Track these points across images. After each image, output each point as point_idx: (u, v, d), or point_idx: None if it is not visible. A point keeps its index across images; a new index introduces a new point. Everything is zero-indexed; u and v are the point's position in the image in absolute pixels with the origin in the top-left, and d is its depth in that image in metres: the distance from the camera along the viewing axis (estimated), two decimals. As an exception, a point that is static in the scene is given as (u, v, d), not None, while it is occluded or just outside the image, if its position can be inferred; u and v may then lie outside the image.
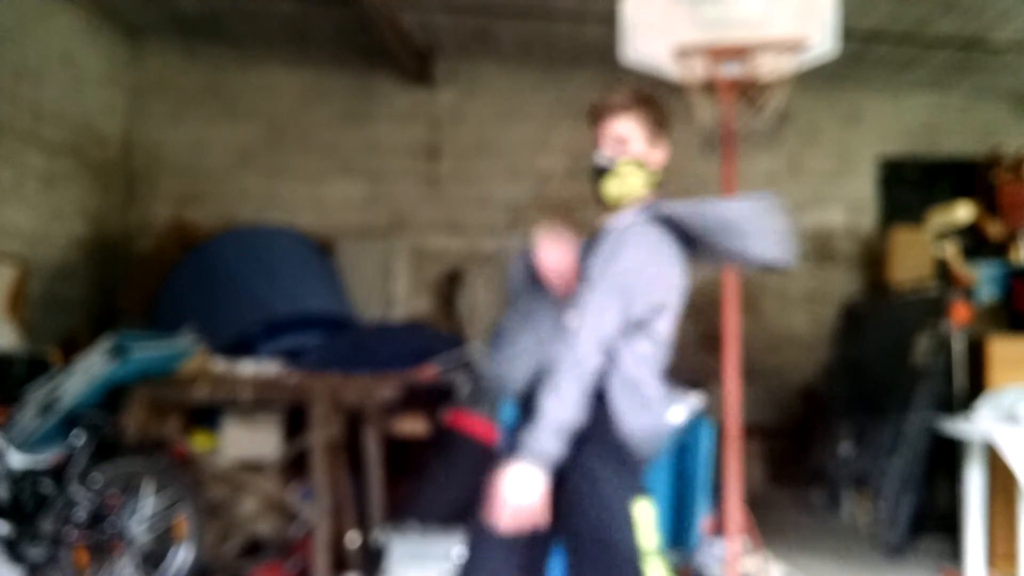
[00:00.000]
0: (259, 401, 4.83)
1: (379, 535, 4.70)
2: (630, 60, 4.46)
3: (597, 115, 2.48)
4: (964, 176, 7.80)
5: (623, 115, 2.44)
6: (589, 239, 2.47)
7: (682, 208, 2.39)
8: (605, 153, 2.43)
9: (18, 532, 4.09)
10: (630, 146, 2.43)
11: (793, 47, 4.26)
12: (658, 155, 2.49)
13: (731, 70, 4.32)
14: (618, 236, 2.36)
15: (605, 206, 2.47)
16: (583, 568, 2.31)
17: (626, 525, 2.27)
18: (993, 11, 6.31)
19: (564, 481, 2.27)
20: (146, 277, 6.94)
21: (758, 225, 2.54)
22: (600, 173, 2.44)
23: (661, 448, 2.38)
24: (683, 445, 4.60)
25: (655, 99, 2.51)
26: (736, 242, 2.46)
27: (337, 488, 4.83)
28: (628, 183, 2.43)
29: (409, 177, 8.14)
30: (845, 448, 6.63)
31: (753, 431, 6.32)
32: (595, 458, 2.29)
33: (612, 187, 2.44)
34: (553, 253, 2.42)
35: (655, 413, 2.31)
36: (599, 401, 2.29)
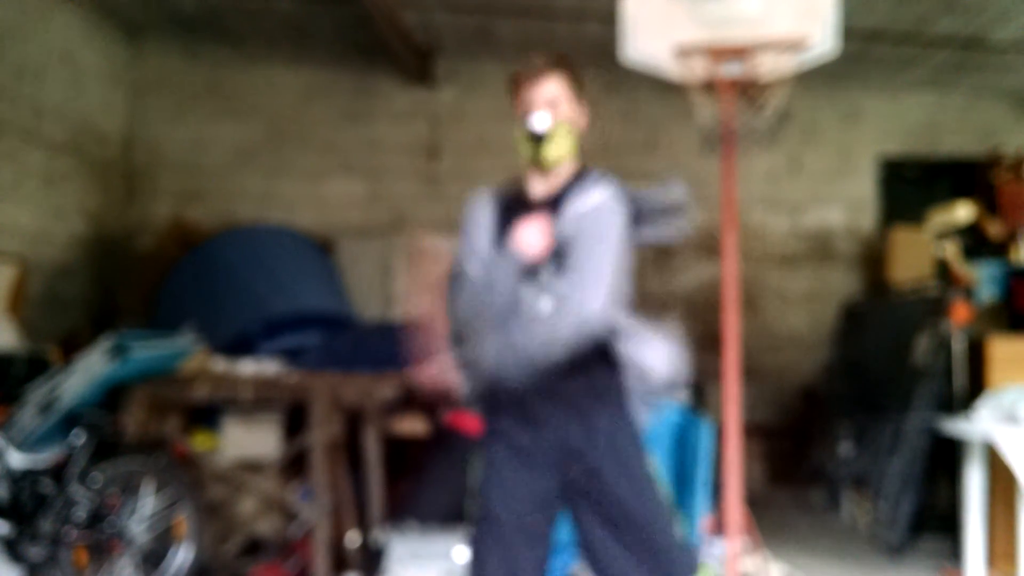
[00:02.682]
0: (259, 401, 4.83)
1: (379, 535, 4.70)
2: (630, 59, 4.46)
3: (524, 80, 2.51)
4: (964, 176, 7.80)
5: (551, 77, 2.49)
6: (519, 200, 2.55)
7: (635, 192, 2.53)
8: (541, 115, 2.46)
9: (18, 532, 4.09)
10: (561, 108, 2.49)
11: (793, 46, 4.25)
12: (582, 116, 2.56)
13: (731, 70, 4.32)
14: (598, 216, 2.44)
15: (539, 170, 2.52)
16: (632, 548, 2.39)
17: (656, 493, 2.45)
18: (993, 11, 6.31)
19: (594, 466, 2.39)
20: (146, 276, 6.93)
21: (683, 208, 2.63)
22: (537, 138, 2.46)
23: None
24: (683, 445, 4.61)
25: (572, 61, 2.58)
26: (664, 224, 2.59)
27: (337, 488, 4.83)
28: (564, 146, 2.49)
29: (409, 176, 8.14)
30: (845, 448, 6.63)
31: (753, 431, 6.32)
32: (620, 435, 2.44)
33: (551, 151, 2.47)
34: (533, 234, 2.42)
35: (656, 342, 2.48)
36: (608, 372, 2.43)
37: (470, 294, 2.51)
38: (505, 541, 2.40)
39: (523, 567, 2.41)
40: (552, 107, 2.48)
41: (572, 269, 2.39)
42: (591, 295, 2.37)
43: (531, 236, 2.41)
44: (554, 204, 2.49)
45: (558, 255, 2.42)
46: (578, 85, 2.54)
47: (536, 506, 2.44)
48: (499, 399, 2.48)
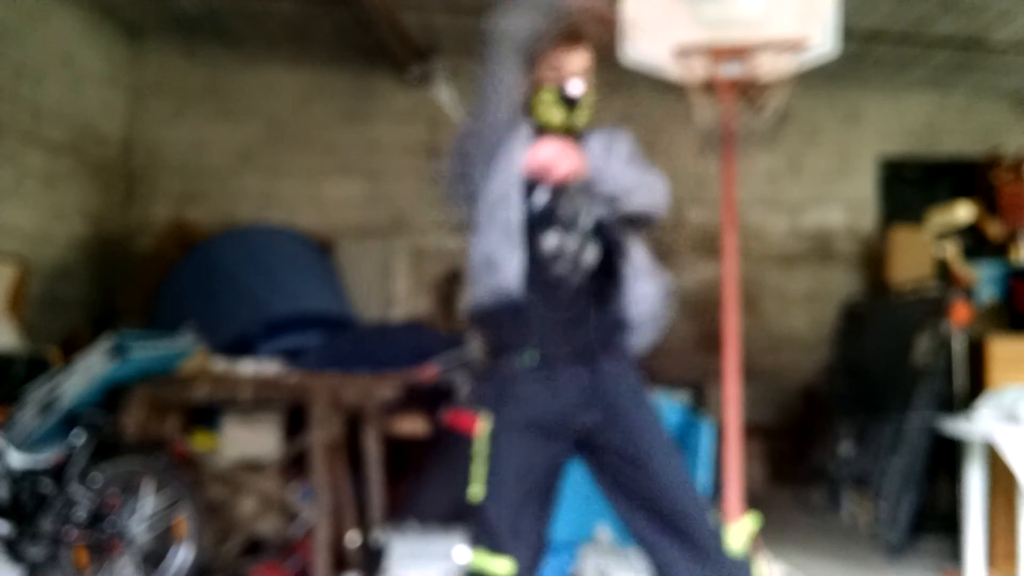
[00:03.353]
0: (259, 401, 4.83)
1: (379, 535, 4.70)
2: (630, 59, 4.46)
3: (560, 45, 2.55)
4: (964, 176, 7.80)
5: (585, 47, 2.58)
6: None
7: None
8: (579, 82, 2.55)
9: (18, 532, 4.08)
10: (590, 76, 2.59)
11: (793, 47, 4.25)
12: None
13: (731, 70, 4.32)
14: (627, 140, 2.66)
15: (566, 133, 2.56)
16: (669, 468, 2.47)
17: (665, 434, 2.57)
18: (993, 11, 6.31)
19: (611, 405, 2.48)
20: (146, 277, 6.93)
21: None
22: (571, 103, 2.55)
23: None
24: (683, 445, 4.61)
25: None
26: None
27: (337, 488, 4.84)
28: (589, 113, 2.62)
29: (409, 176, 8.14)
30: (845, 448, 6.63)
31: (753, 431, 6.32)
32: (629, 377, 2.56)
33: (581, 116, 2.59)
34: (554, 151, 2.45)
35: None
36: (613, 325, 2.54)
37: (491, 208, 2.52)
38: (510, 500, 2.46)
39: (527, 521, 2.47)
40: (586, 75, 2.56)
41: (633, 174, 2.56)
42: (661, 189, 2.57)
43: (560, 154, 2.44)
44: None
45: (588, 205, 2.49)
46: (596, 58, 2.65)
47: (545, 469, 2.51)
48: (514, 348, 2.52)
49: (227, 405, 4.90)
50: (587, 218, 2.46)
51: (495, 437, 2.50)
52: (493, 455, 2.49)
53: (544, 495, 2.52)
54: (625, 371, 2.56)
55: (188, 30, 7.86)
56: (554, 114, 2.54)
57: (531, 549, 2.46)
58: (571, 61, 2.54)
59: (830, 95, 7.92)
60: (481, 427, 2.55)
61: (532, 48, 2.53)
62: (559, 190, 2.47)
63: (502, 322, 2.52)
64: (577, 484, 4.73)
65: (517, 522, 2.44)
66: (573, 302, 2.48)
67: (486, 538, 2.45)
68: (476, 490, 2.51)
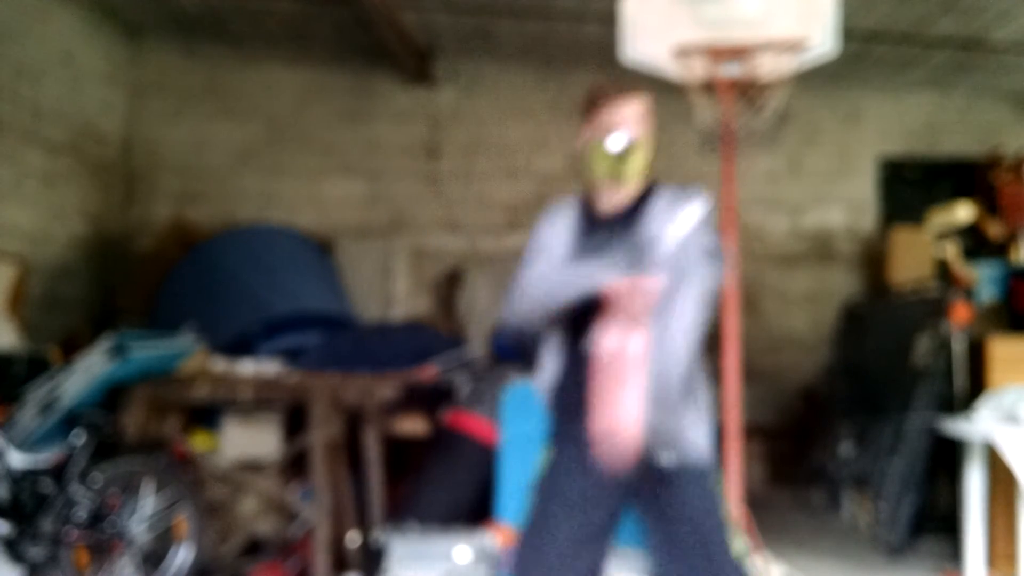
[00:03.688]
0: (259, 401, 4.83)
1: (379, 535, 4.70)
2: (630, 60, 4.46)
3: (607, 100, 2.61)
4: (964, 176, 7.80)
5: (636, 96, 2.63)
6: (592, 217, 2.64)
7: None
8: (626, 134, 2.59)
9: (18, 532, 4.09)
10: (639, 127, 2.62)
11: (793, 47, 4.26)
12: (651, 137, 2.69)
13: (731, 70, 4.32)
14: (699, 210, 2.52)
15: (615, 184, 2.61)
16: (692, 557, 2.46)
17: (721, 507, 2.52)
18: (993, 11, 6.31)
19: (678, 484, 2.44)
20: (146, 277, 6.93)
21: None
22: (618, 155, 2.58)
23: None
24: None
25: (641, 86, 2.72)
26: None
27: (337, 488, 4.83)
28: (640, 162, 2.62)
29: (409, 176, 8.14)
30: (845, 448, 6.63)
31: (753, 431, 6.32)
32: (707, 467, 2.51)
33: (629, 167, 2.60)
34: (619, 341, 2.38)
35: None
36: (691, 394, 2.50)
37: (531, 301, 2.59)
38: (559, 546, 2.46)
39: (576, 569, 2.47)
40: (632, 126, 2.61)
41: (673, 313, 2.44)
42: (683, 341, 2.46)
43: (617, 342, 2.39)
44: (628, 217, 2.59)
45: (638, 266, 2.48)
46: (649, 107, 2.68)
47: (598, 510, 2.50)
48: (572, 403, 2.50)
49: (227, 405, 4.90)
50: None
51: (553, 470, 2.54)
52: (547, 488, 2.53)
53: (598, 537, 2.51)
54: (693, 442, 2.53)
55: (188, 29, 7.86)
56: (600, 166, 2.61)
57: None
58: (616, 114, 2.60)
59: (830, 95, 7.92)
60: (542, 458, 2.59)
61: (583, 103, 2.65)
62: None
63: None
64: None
65: (565, 560, 2.46)
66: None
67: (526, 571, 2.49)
68: (522, 522, 2.54)
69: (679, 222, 2.47)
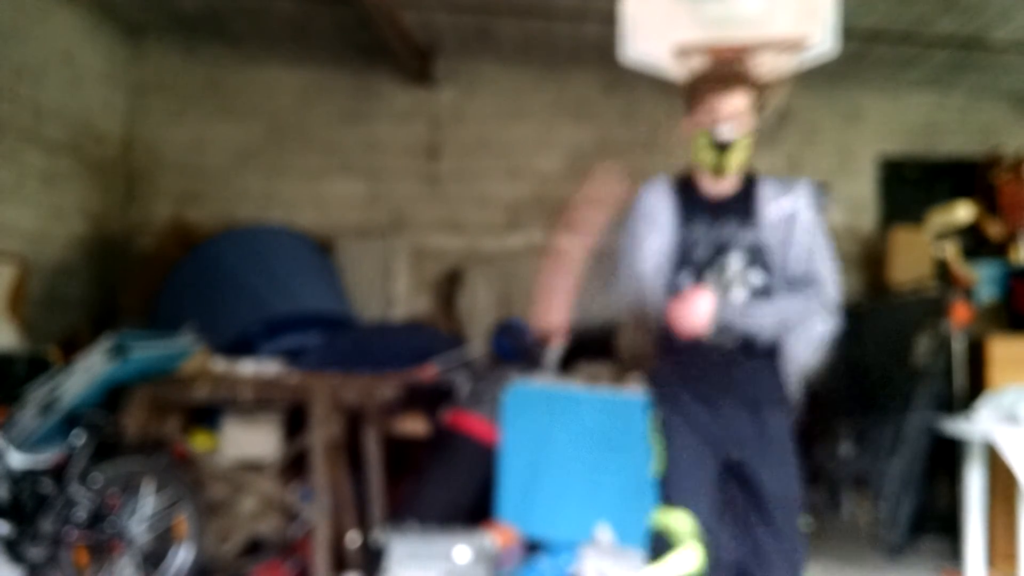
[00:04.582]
0: (259, 401, 4.83)
1: (379, 535, 4.70)
2: (630, 59, 4.45)
3: (712, 88, 2.66)
4: (964, 176, 7.79)
5: (738, 90, 2.66)
6: (696, 198, 2.75)
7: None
8: (730, 127, 2.64)
9: (18, 532, 4.09)
10: (744, 120, 2.66)
11: (793, 46, 4.24)
12: (754, 129, 2.74)
13: (731, 70, 4.32)
14: (810, 227, 2.79)
15: (718, 175, 2.69)
16: (786, 522, 2.73)
17: (798, 485, 2.81)
18: (993, 11, 6.30)
19: (756, 455, 2.70)
20: (146, 276, 6.93)
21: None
22: (722, 147, 2.63)
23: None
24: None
25: (750, 75, 2.85)
26: None
27: (337, 488, 4.84)
28: (743, 156, 2.68)
29: (409, 176, 8.14)
30: (845, 448, 6.62)
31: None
32: (782, 432, 2.80)
33: (733, 160, 2.67)
34: (702, 306, 2.61)
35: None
36: (777, 371, 2.83)
37: (636, 288, 2.72)
38: (687, 470, 2.68)
39: (703, 488, 2.69)
40: (737, 119, 2.64)
41: (810, 282, 2.85)
42: (834, 304, 2.81)
43: (700, 310, 2.61)
44: (732, 205, 2.71)
45: (752, 253, 2.66)
46: (755, 98, 2.73)
47: (706, 458, 2.72)
48: (681, 372, 2.73)
49: (227, 405, 4.90)
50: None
51: (668, 423, 2.73)
52: (669, 437, 2.72)
53: (711, 478, 2.71)
54: (780, 424, 2.80)
55: (188, 29, 7.86)
56: (706, 157, 2.66)
57: (709, 509, 2.66)
58: (723, 106, 2.63)
59: (830, 95, 7.92)
60: (653, 415, 2.77)
61: (689, 91, 2.72)
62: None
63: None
64: (576, 484, 4.74)
65: (696, 487, 2.66)
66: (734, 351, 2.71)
67: (670, 498, 2.66)
68: (658, 466, 2.73)
69: (784, 207, 2.64)
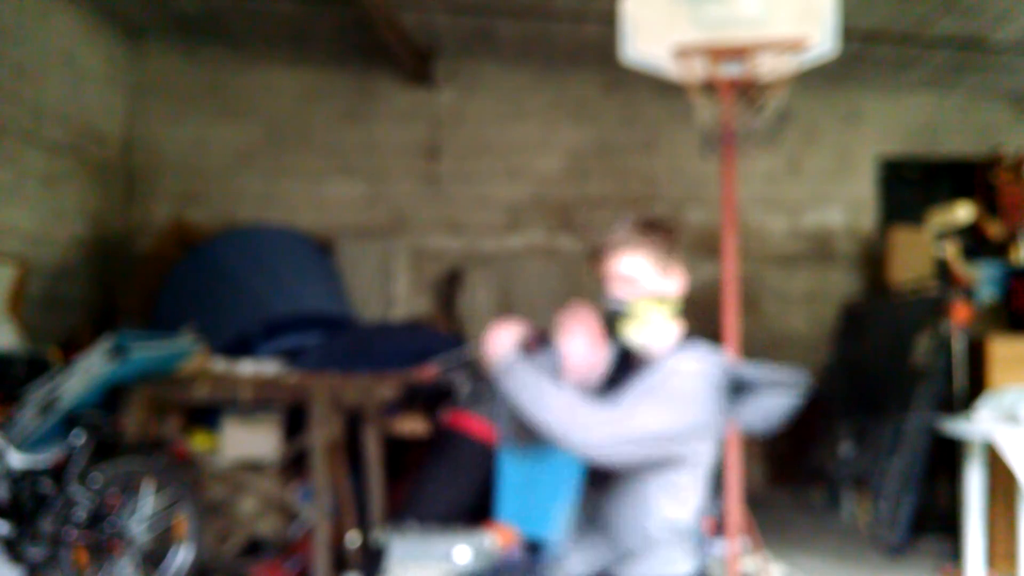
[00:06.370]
0: (259, 401, 4.83)
1: (379, 535, 4.70)
2: (630, 59, 4.46)
3: (600, 255, 2.27)
4: (964, 176, 7.81)
5: (628, 251, 2.24)
6: (625, 355, 2.34)
7: (743, 367, 2.30)
8: (616, 295, 2.24)
9: (18, 532, 4.09)
10: (641, 284, 2.24)
11: (793, 47, 4.25)
12: (674, 283, 2.32)
13: (731, 70, 4.32)
14: (674, 374, 2.21)
15: (618, 344, 2.31)
16: None
17: None
18: (993, 11, 6.31)
19: None
20: (146, 277, 6.93)
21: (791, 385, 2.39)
22: (615, 316, 2.25)
23: None
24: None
25: (661, 224, 2.32)
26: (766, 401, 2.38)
27: (337, 488, 4.84)
28: (651, 323, 2.26)
29: (409, 177, 8.14)
30: (845, 448, 6.63)
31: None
32: None
33: (634, 331, 2.26)
34: (579, 348, 2.28)
35: None
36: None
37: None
38: None
39: None
40: (629, 284, 2.24)
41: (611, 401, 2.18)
42: (599, 431, 2.18)
43: (577, 347, 2.28)
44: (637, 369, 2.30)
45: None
46: (666, 252, 2.28)
47: None
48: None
49: (227, 405, 4.90)
50: None
51: None
52: None
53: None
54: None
55: (188, 30, 7.86)
56: (607, 325, 2.29)
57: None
58: (609, 269, 2.26)
59: (830, 95, 7.93)
60: None
61: (590, 253, 2.35)
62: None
63: None
64: (574, 484, 4.73)
65: None
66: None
67: None
68: None
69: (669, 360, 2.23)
